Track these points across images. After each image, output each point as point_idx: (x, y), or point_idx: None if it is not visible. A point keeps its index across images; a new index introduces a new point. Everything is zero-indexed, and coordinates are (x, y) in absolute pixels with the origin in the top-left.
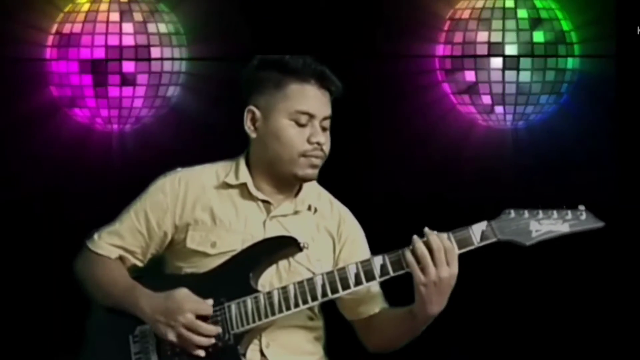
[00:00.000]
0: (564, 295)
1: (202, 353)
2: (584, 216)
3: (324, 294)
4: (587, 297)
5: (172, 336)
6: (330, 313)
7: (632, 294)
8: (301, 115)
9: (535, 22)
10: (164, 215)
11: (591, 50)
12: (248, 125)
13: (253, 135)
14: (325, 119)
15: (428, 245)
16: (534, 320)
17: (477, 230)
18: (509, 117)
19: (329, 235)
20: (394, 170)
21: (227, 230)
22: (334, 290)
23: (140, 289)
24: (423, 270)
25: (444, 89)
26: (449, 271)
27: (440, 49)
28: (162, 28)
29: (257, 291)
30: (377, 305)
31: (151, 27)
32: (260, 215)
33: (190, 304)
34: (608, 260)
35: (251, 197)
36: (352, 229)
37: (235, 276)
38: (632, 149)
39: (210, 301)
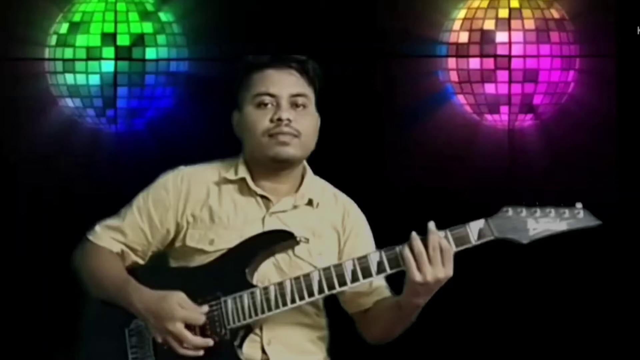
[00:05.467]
0: (561, 291)
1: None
2: (581, 214)
3: (321, 290)
4: (586, 294)
5: (159, 339)
6: (334, 313)
7: (630, 290)
8: (262, 97)
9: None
10: (166, 213)
11: (591, 51)
12: (235, 129)
13: (240, 135)
14: (294, 96)
15: (425, 243)
16: (531, 317)
17: (474, 228)
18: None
19: (333, 229)
20: (395, 167)
21: (226, 227)
22: (331, 287)
23: (133, 284)
24: (419, 268)
25: (446, 89)
26: (445, 272)
27: None
28: None
29: (253, 286)
30: (379, 297)
31: None
32: (260, 212)
33: (181, 313)
34: (606, 256)
35: (250, 192)
36: (356, 221)
37: (232, 270)
38: (632, 149)
39: (205, 308)
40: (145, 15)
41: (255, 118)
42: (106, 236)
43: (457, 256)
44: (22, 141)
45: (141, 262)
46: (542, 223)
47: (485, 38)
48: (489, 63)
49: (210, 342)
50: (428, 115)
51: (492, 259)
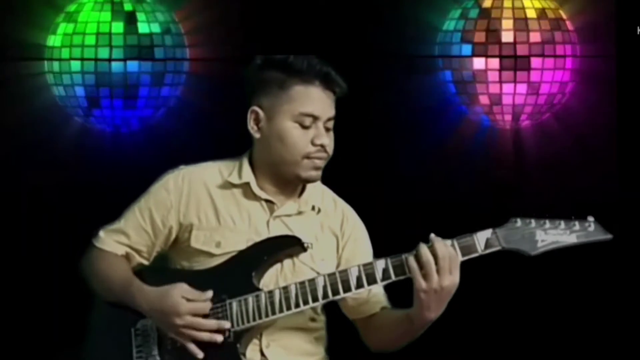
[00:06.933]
0: (561, 291)
1: (200, 353)
2: (592, 227)
3: (325, 295)
4: (586, 294)
5: (172, 333)
6: (332, 313)
7: (631, 290)
8: (305, 118)
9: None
10: (167, 213)
11: (591, 51)
12: (251, 126)
13: (257, 135)
14: (329, 119)
15: (433, 252)
16: (531, 316)
17: (481, 238)
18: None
19: (332, 235)
20: (396, 171)
21: (232, 230)
22: (335, 292)
23: (137, 284)
24: (425, 277)
25: (445, 89)
26: (451, 279)
27: None
28: None
29: (258, 289)
30: (378, 305)
31: None
32: (264, 215)
33: (187, 306)
34: (606, 256)
35: (254, 196)
36: (354, 227)
37: (238, 274)
38: (632, 149)
39: (210, 293)
40: (121, 15)
41: (297, 139)
42: (110, 240)
43: (463, 266)
44: (22, 141)
45: (146, 262)
46: (550, 235)
47: (498, 38)
48: (499, 64)
49: (222, 323)
50: (430, 116)
51: (493, 259)
